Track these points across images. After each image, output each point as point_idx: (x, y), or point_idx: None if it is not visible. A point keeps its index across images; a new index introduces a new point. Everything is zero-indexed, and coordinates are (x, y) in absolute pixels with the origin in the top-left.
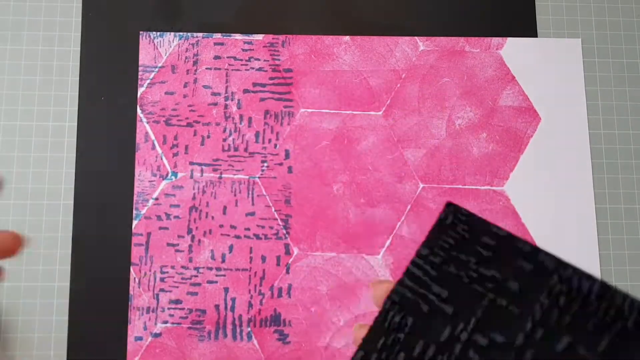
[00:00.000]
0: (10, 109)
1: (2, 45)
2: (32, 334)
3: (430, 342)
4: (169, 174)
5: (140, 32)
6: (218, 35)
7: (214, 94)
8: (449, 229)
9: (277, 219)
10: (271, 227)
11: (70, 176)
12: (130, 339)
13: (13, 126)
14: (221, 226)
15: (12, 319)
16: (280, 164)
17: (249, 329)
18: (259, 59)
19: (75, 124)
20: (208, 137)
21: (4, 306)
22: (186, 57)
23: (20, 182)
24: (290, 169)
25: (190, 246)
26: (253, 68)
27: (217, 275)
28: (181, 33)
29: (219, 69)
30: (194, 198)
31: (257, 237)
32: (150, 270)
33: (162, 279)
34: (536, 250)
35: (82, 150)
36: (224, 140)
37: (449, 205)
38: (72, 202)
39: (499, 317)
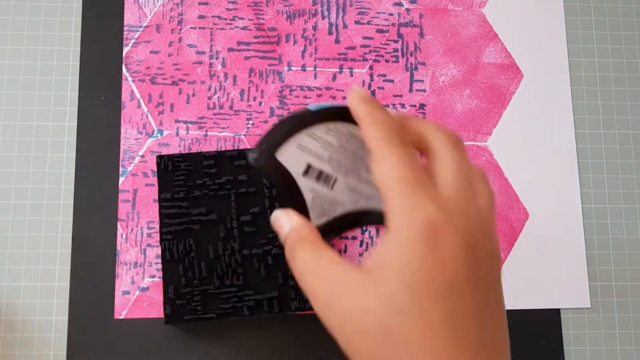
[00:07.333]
0: (10, 109)
1: (2, 45)
2: (32, 334)
3: (216, 242)
4: (155, 132)
5: None
6: None
7: (198, 52)
8: (174, 171)
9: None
10: None
11: (70, 176)
12: (117, 293)
13: (13, 126)
14: None
15: (12, 319)
16: (266, 122)
17: None
18: (243, 18)
19: (75, 123)
20: (193, 95)
21: (4, 306)
22: (171, 17)
23: (20, 182)
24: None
25: None
26: (237, 27)
27: None
28: None
29: (204, 28)
30: None
31: None
32: (137, 226)
33: (149, 235)
34: (241, 151)
35: (82, 150)
36: (209, 98)
37: (161, 156)
38: (72, 202)
39: (247, 199)
